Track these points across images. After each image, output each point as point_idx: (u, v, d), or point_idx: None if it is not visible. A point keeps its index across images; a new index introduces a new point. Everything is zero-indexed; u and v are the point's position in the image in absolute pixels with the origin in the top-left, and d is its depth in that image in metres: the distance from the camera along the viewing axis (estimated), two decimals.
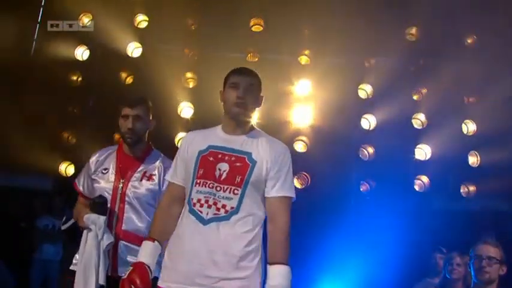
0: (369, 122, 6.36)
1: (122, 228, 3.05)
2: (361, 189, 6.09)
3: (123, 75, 6.40)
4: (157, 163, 3.21)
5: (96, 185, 3.14)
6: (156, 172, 3.18)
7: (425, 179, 6.19)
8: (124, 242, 3.04)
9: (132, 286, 2.36)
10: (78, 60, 6.41)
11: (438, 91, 6.22)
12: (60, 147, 6.30)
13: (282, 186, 2.50)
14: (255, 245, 2.46)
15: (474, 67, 6.25)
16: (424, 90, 6.45)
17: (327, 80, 6.04)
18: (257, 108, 2.68)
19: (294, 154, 6.02)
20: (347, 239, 5.49)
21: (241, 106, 2.54)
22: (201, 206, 2.44)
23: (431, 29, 6.34)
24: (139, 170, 3.16)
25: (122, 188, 3.08)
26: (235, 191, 2.44)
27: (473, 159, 6.32)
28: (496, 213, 6.07)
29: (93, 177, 3.16)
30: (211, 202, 2.43)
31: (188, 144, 2.63)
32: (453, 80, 6.12)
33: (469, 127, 6.37)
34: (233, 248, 2.40)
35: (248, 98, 2.56)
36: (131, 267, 2.46)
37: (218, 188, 2.44)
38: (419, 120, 6.40)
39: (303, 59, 6.42)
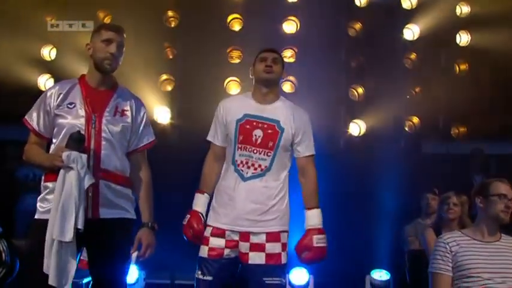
0: (360, 61, 6.21)
1: (101, 166, 2.84)
2: (352, 132, 5.98)
3: (101, 15, 6.09)
4: (129, 99, 3.00)
5: (61, 120, 2.85)
6: (128, 108, 2.97)
7: (415, 119, 6.10)
8: (105, 182, 2.84)
9: (191, 230, 3.12)
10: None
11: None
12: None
13: (307, 147, 3.17)
14: (283, 192, 3.14)
15: None
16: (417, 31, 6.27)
17: (315, 17, 5.84)
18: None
19: (281, 94, 5.92)
20: (337, 182, 5.41)
21: (270, 71, 3.13)
22: (243, 166, 3.10)
23: None
24: (110, 103, 2.93)
25: (96, 123, 2.86)
26: (268, 154, 3.09)
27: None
28: (487, 155, 6.04)
29: (56, 112, 2.85)
30: (250, 164, 3.09)
31: (226, 112, 3.19)
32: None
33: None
34: (267, 196, 3.08)
35: (275, 67, 3.16)
36: (188, 215, 3.17)
37: (255, 151, 3.09)
38: (409, 60, 6.28)
39: None
